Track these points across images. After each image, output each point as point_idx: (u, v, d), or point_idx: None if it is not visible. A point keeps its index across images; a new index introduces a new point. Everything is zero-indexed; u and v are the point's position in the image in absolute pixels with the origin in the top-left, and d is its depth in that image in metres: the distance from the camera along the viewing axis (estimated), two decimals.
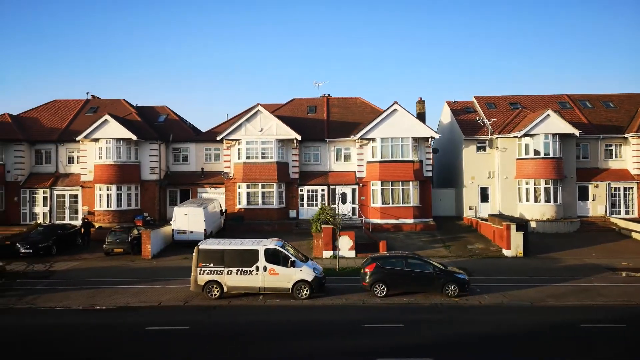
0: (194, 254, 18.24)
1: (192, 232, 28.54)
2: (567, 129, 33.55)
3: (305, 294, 17.94)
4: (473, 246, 28.79)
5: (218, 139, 34.69)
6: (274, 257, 18.11)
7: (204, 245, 18.34)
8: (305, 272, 18.04)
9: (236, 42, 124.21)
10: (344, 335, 14.26)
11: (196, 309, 17.10)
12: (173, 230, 28.77)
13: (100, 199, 33.87)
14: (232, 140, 34.88)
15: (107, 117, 33.47)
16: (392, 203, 33.99)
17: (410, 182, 33.91)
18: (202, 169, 37.08)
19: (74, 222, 33.22)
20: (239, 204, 34.91)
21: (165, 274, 22.50)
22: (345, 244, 26.91)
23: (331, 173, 36.25)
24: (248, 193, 34.63)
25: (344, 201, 35.33)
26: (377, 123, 34.09)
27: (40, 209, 35.09)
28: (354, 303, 17.72)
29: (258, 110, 34.61)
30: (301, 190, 35.53)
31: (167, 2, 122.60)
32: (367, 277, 18.42)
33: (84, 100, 40.97)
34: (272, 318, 16.13)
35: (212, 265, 18.00)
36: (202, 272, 18.02)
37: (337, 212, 30.14)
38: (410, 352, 12.82)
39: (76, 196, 35.19)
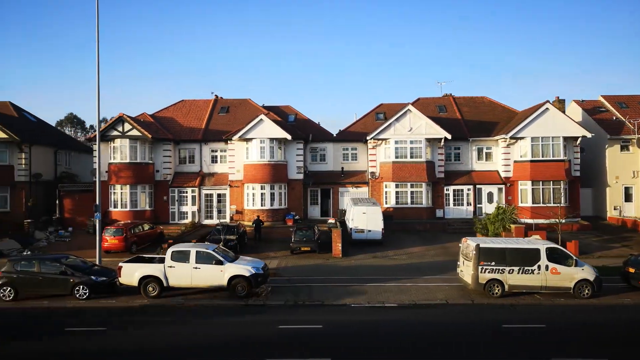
0: (473, 252, 18.18)
1: (369, 230, 28.64)
2: None
3: (587, 294, 17.85)
4: None
5: (368, 138, 34.73)
6: (554, 255, 18.06)
7: (484, 244, 18.30)
8: (587, 272, 17.96)
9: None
10: None
11: (498, 307, 17.08)
12: (351, 229, 28.83)
13: (252, 198, 33.98)
14: (379, 139, 34.90)
15: (262, 117, 33.60)
16: (543, 203, 33.86)
17: (561, 182, 33.75)
18: (342, 168, 37.12)
19: (219, 221, 33.23)
20: (386, 203, 34.91)
21: (380, 272, 22.51)
22: None
23: (473, 172, 36.18)
24: (397, 192, 34.63)
25: (490, 201, 35.29)
26: (529, 122, 33.96)
27: (188, 208, 35.29)
28: None
29: (408, 109, 34.60)
30: (447, 189, 35.50)
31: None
32: None
33: (212, 100, 41.17)
34: (608, 317, 16.03)
35: (493, 263, 17.96)
36: (483, 270, 17.99)
37: (506, 211, 30.15)
38: None
39: (223, 195, 35.37)
